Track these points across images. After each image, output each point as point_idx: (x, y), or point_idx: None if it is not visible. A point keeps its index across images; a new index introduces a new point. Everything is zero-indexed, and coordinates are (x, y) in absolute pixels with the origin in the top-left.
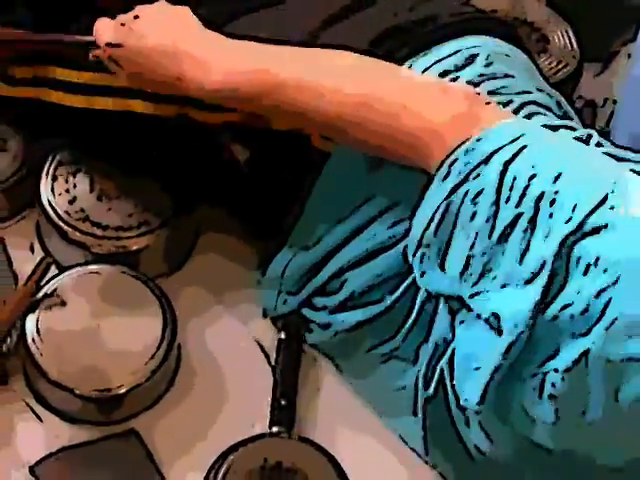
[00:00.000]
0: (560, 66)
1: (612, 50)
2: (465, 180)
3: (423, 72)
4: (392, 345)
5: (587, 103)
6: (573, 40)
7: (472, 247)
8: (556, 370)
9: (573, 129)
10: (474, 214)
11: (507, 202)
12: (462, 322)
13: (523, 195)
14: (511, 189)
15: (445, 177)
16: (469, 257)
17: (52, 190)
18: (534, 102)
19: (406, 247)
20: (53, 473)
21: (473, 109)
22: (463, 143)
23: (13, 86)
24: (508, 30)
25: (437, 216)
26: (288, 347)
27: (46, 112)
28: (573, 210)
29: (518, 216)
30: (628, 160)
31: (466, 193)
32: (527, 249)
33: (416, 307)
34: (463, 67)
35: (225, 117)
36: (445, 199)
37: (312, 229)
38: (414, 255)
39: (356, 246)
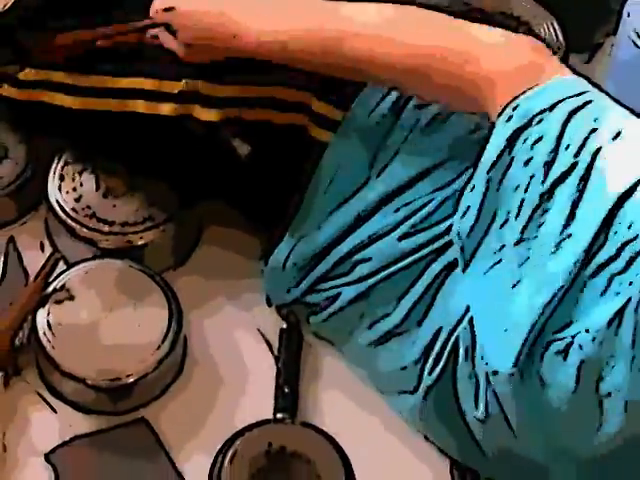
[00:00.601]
0: None
1: (597, 42)
2: (528, 124)
3: None
4: (392, 321)
5: None
6: (559, 32)
7: (525, 191)
8: (587, 330)
9: None
10: (530, 159)
11: (566, 150)
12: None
13: (582, 146)
14: (572, 138)
15: (508, 120)
16: (522, 201)
17: (59, 189)
18: None
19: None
20: (67, 460)
21: (538, 59)
22: (529, 89)
23: (20, 88)
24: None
25: (494, 156)
26: (290, 336)
27: (49, 114)
28: (627, 170)
29: (574, 165)
30: None
31: (526, 139)
32: (578, 201)
33: (422, 282)
34: None
35: (225, 113)
36: (506, 141)
37: (312, 218)
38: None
39: (359, 234)
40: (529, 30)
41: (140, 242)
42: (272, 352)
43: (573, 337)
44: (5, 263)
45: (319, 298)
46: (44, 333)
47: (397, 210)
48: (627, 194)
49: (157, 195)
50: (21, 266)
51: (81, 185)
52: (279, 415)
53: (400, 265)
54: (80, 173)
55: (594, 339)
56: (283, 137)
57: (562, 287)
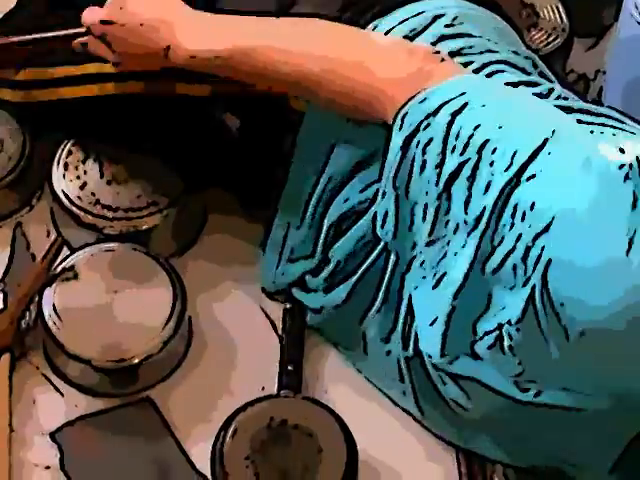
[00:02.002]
0: (550, 39)
1: (604, 25)
2: (416, 131)
3: (386, 33)
4: (375, 309)
5: (579, 77)
6: (563, 14)
7: (426, 193)
8: (509, 322)
9: (535, 85)
10: (424, 163)
11: (453, 151)
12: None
13: (467, 144)
14: (457, 138)
15: (400, 127)
16: (426, 204)
17: (64, 177)
18: (502, 61)
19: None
20: (73, 439)
21: (428, 66)
22: (415, 96)
23: (19, 90)
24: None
25: (394, 166)
26: (293, 316)
27: (48, 105)
28: (513, 157)
29: (462, 164)
30: (581, 111)
31: (418, 143)
32: (470, 196)
33: (389, 268)
34: (425, 29)
35: (212, 88)
36: (400, 149)
37: (298, 192)
38: (383, 197)
39: (335, 209)
40: (533, 12)
41: (144, 227)
42: (276, 331)
43: (500, 329)
44: (12, 249)
45: (307, 300)
46: (50, 315)
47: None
48: (514, 184)
49: (160, 181)
50: (28, 252)
51: (85, 173)
52: (283, 392)
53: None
54: (84, 161)
55: (518, 329)
56: (267, 109)
57: (463, 282)
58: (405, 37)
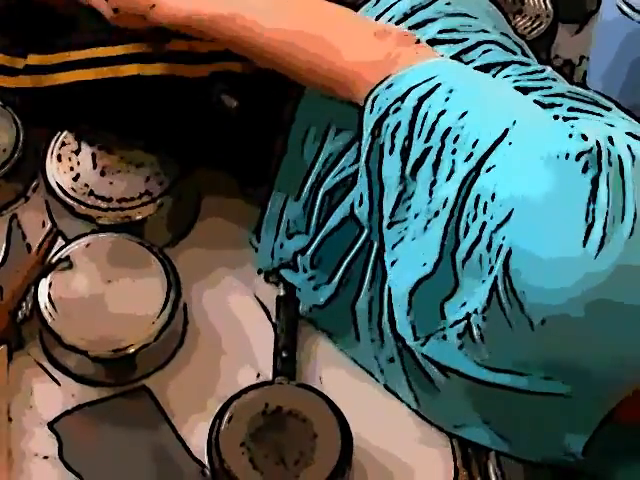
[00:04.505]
0: (534, 25)
1: (588, 11)
2: (386, 115)
3: (388, 9)
4: (363, 293)
5: (565, 62)
6: (547, 0)
7: (393, 177)
8: (476, 311)
9: (527, 65)
10: (393, 147)
11: (419, 136)
12: (393, 263)
13: (432, 130)
14: (423, 124)
15: (370, 111)
16: (391, 188)
17: (57, 169)
18: (494, 42)
19: None
20: (71, 429)
21: (399, 49)
22: (385, 80)
23: (13, 76)
24: None
25: (366, 149)
26: (287, 303)
27: (39, 96)
28: (474, 146)
29: (427, 150)
30: (564, 95)
31: (387, 127)
32: (435, 182)
33: (374, 251)
34: (426, 6)
35: (210, 69)
36: (371, 133)
37: (297, 164)
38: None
39: (331, 179)
40: None
41: (138, 217)
42: (270, 319)
43: (468, 319)
44: (8, 240)
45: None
46: (45, 306)
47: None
48: (476, 174)
49: (153, 170)
50: (24, 243)
51: (78, 164)
52: (278, 379)
53: None
54: (77, 153)
55: (485, 319)
56: (266, 87)
57: (433, 268)
58: (405, 14)
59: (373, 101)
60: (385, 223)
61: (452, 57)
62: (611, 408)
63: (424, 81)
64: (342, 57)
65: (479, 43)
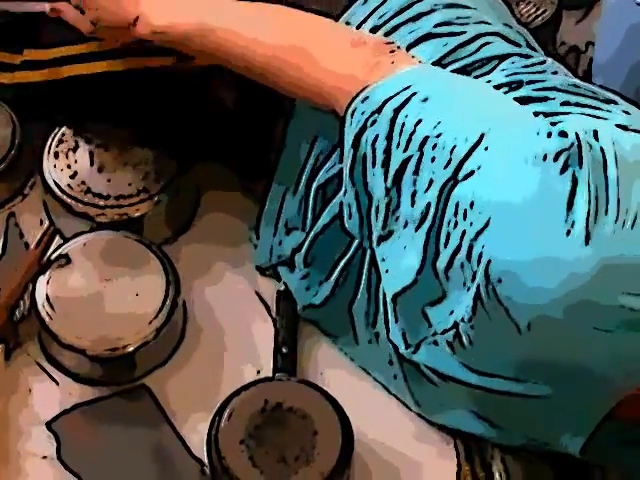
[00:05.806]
0: (539, 12)
1: None
2: (364, 128)
3: (382, 4)
4: (360, 295)
5: (570, 49)
6: None
7: (378, 189)
8: (463, 320)
9: (528, 56)
10: (374, 159)
11: (397, 147)
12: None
13: (410, 140)
14: (400, 134)
15: (350, 123)
16: (378, 200)
17: (54, 167)
18: (495, 33)
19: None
20: (69, 428)
21: (375, 59)
22: (362, 91)
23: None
24: None
25: (349, 163)
26: (287, 298)
27: (42, 88)
28: (451, 153)
29: (407, 160)
30: (558, 89)
31: (366, 140)
32: (416, 192)
33: (367, 255)
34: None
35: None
36: (352, 146)
37: (294, 159)
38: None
39: (323, 174)
40: None
41: (137, 214)
42: (270, 315)
43: (457, 327)
44: (5, 238)
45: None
46: (43, 305)
47: None
48: (454, 182)
49: (151, 167)
50: (22, 241)
51: (75, 162)
52: (278, 375)
53: None
54: (74, 150)
55: (472, 327)
56: None
57: (415, 278)
58: (401, 8)
59: (352, 115)
60: (375, 236)
61: (449, 51)
62: (608, 410)
63: (399, 91)
64: (321, 69)
65: (478, 36)
